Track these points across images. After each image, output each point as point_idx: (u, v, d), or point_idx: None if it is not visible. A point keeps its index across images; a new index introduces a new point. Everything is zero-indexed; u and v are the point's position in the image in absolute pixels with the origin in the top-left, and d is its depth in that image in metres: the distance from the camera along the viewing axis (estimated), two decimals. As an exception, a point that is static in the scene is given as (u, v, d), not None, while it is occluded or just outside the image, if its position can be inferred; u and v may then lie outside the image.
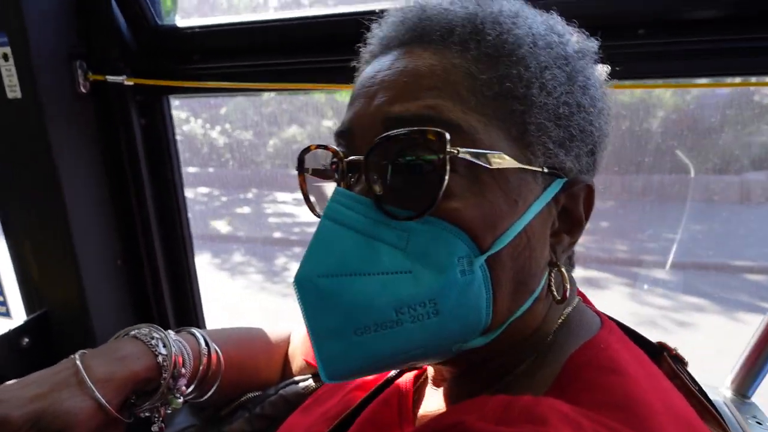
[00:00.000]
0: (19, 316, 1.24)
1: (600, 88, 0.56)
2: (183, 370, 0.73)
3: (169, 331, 0.76)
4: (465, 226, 0.48)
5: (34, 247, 1.18)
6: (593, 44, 0.57)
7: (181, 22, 1.14)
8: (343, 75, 1.01)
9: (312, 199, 0.59)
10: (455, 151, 0.47)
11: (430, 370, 0.65)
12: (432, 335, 0.49)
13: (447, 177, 0.47)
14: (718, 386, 1.05)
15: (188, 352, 0.75)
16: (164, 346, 0.71)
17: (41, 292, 1.21)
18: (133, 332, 0.73)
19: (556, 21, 0.56)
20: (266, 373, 0.91)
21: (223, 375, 0.80)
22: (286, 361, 0.93)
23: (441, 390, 0.62)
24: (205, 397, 0.79)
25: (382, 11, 0.61)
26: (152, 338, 0.72)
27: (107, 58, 1.14)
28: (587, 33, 0.58)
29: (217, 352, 0.79)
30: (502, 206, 0.49)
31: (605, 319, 0.60)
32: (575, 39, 0.55)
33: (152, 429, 0.72)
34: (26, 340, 1.16)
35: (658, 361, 0.61)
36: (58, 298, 1.20)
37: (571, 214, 0.55)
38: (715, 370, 1.04)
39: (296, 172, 0.58)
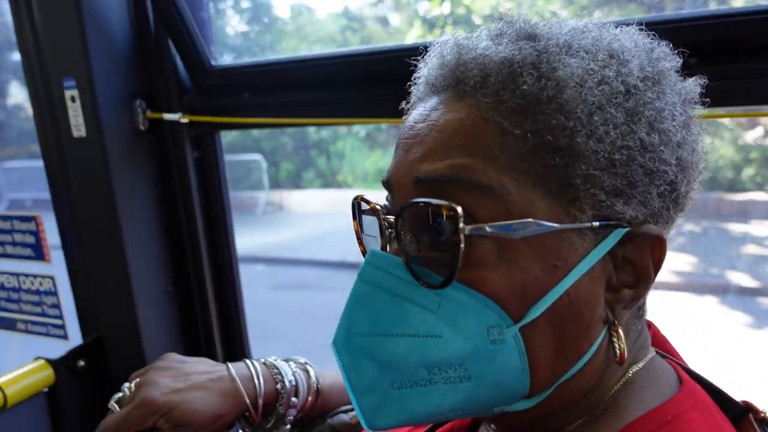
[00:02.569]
0: (76, 340, 1.30)
1: (680, 115, 0.49)
2: (295, 400, 0.79)
3: (290, 362, 0.83)
4: (494, 296, 0.46)
5: (91, 274, 1.25)
6: (673, 62, 0.51)
7: (231, 62, 1.21)
8: (388, 109, 1.04)
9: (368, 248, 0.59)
10: (468, 228, 0.45)
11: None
12: (467, 398, 0.48)
13: (461, 253, 0.45)
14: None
15: (304, 385, 0.82)
16: (285, 377, 0.80)
17: (97, 317, 1.27)
18: (262, 359, 0.81)
19: (626, 41, 0.50)
20: None
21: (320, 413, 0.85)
22: None
23: None
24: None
25: (423, 48, 0.59)
26: (275, 368, 0.80)
27: (164, 97, 1.22)
28: (671, 45, 0.51)
29: (322, 391, 0.84)
30: (537, 273, 0.46)
31: (686, 380, 0.54)
32: (644, 62, 0.49)
33: None
34: (82, 362, 1.22)
35: (741, 425, 0.55)
36: (113, 323, 1.26)
37: (636, 267, 0.49)
38: None
39: None
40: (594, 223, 0.46)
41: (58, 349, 1.22)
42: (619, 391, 0.51)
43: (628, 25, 0.52)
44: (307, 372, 0.84)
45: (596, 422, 0.51)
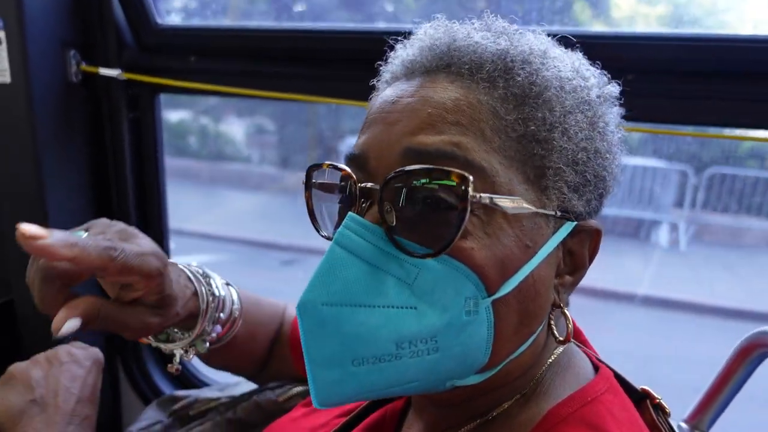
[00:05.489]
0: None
1: (616, 133, 0.56)
2: (221, 316, 0.72)
3: (216, 276, 0.74)
4: (476, 267, 0.48)
5: (6, 231, 1.15)
6: (614, 88, 0.57)
7: (181, 22, 1.15)
8: (343, 90, 1.03)
9: (318, 218, 0.58)
10: (477, 197, 0.46)
11: (415, 397, 0.63)
12: (428, 371, 0.49)
13: (467, 220, 0.46)
14: (677, 421, 1.06)
15: (233, 300, 0.75)
16: (215, 289, 0.71)
17: (8, 279, 1.18)
18: (193, 268, 0.71)
19: (582, 62, 0.56)
20: (256, 346, 0.84)
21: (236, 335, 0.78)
22: (272, 347, 0.86)
23: (423, 419, 0.61)
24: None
25: (395, 33, 0.60)
26: (208, 276, 0.71)
27: (102, 51, 1.14)
28: (609, 75, 0.57)
29: (243, 310, 0.77)
30: (514, 250, 0.49)
31: (602, 367, 0.59)
32: (598, 82, 0.56)
33: (169, 368, 0.71)
34: (-11, 328, 1.13)
35: (639, 409, 0.60)
36: (26, 286, 1.17)
37: (576, 257, 0.55)
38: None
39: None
40: (557, 213, 0.51)
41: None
42: (545, 372, 0.56)
43: (570, 36, 0.58)
44: (230, 291, 0.77)
45: (528, 402, 0.55)
